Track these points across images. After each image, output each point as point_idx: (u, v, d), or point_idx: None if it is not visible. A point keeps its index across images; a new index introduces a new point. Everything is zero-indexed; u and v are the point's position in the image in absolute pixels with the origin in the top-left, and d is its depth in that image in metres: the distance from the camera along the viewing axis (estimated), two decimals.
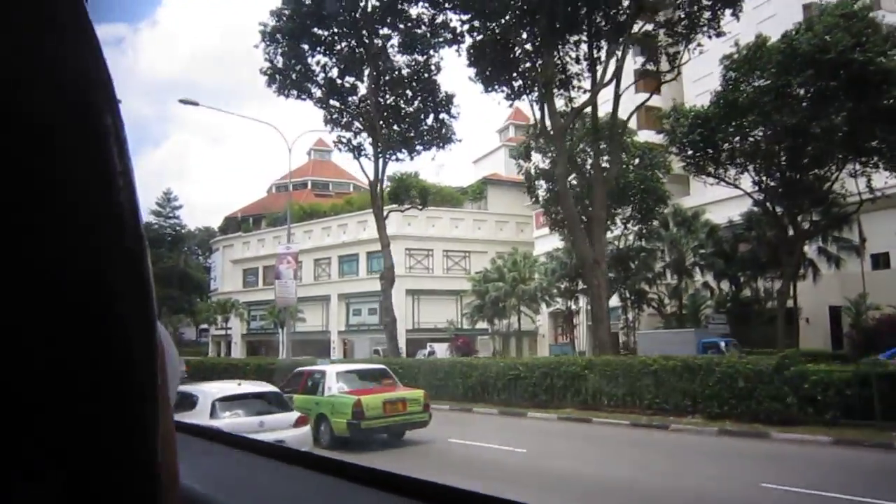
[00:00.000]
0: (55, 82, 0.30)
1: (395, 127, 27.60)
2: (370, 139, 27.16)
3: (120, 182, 0.32)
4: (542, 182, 31.07)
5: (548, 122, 22.28)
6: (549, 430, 14.45)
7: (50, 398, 0.28)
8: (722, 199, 32.81)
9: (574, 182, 26.53)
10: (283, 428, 9.84)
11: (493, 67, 24.30)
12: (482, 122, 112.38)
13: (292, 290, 26.25)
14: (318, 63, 26.49)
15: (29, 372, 0.27)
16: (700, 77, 32.90)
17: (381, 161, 27.02)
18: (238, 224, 57.11)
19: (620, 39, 21.23)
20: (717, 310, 32.55)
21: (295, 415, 10.50)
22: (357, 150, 27.54)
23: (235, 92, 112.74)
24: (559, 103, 23.69)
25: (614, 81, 21.81)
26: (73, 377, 0.29)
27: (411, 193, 30.84)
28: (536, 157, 30.82)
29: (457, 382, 19.35)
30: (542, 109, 23.15)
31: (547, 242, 42.74)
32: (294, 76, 26.23)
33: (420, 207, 32.00)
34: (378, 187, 26.92)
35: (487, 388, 18.46)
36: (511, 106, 26.67)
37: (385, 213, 27.30)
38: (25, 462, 0.27)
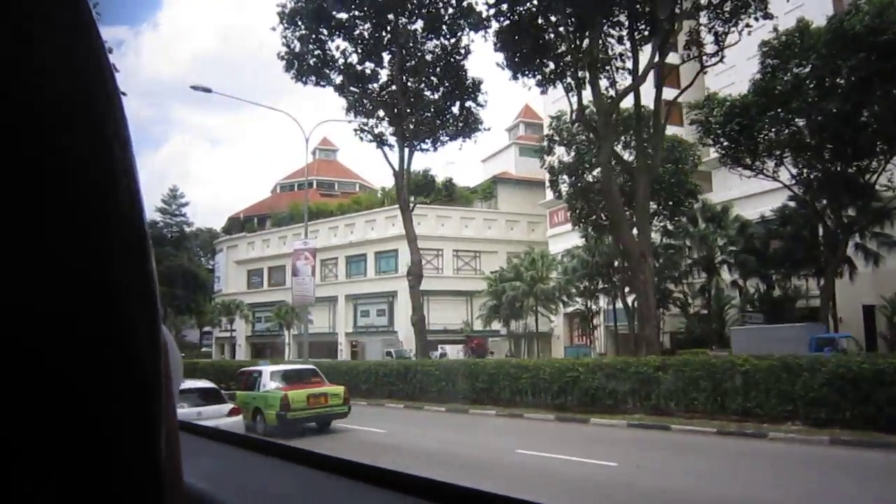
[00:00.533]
0: (58, 80, 0.29)
1: (420, 115, 26.13)
2: (391, 128, 25.72)
3: (123, 180, 0.31)
4: (564, 177, 29.80)
5: (591, 108, 20.92)
6: (625, 438, 12.91)
7: (55, 396, 0.28)
8: (745, 196, 31.69)
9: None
10: (218, 417, 11.27)
11: (523, 52, 22.92)
12: (491, 121, 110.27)
13: (310, 287, 24.70)
14: (337, 48, 25.23)
15: (33, 370, 0.27)
16: (722, 70, 31.66)
17: (405, 151, 25.55)
18: (241, 225, 55.63)
19: (664, 17, 19.91)
20: (744, 308, 31.32)
21: (229, 406, 12.25)
22: (379, 140, 26.09)
23: (238, 94, 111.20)
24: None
25: (653, 69, 20.54)
26: (79, 375, 0.28)
27: (437, 186, 29.36)
28: (559, 150, 29.56)
29: (503, 385, 17.86)
30: (579, 94, 21.80)
31: (561, 241, 41.43)
32: (312, 61, 24.79)
33: (446, 199, 30.56)
34: (403, 178, 25.39)
35: (539, 392, 16.92)
36: (543, 92, 25.26)
37: (411, 206, 25.79)
38: (30, 459, 0.27)
